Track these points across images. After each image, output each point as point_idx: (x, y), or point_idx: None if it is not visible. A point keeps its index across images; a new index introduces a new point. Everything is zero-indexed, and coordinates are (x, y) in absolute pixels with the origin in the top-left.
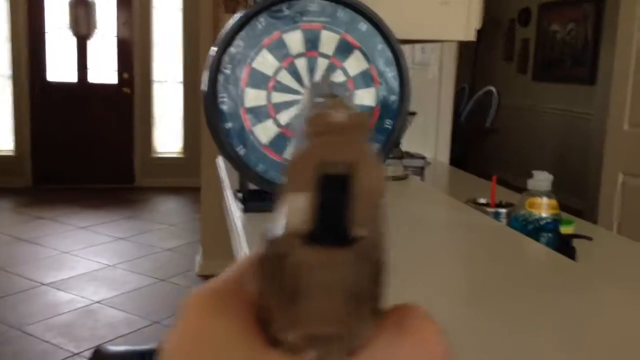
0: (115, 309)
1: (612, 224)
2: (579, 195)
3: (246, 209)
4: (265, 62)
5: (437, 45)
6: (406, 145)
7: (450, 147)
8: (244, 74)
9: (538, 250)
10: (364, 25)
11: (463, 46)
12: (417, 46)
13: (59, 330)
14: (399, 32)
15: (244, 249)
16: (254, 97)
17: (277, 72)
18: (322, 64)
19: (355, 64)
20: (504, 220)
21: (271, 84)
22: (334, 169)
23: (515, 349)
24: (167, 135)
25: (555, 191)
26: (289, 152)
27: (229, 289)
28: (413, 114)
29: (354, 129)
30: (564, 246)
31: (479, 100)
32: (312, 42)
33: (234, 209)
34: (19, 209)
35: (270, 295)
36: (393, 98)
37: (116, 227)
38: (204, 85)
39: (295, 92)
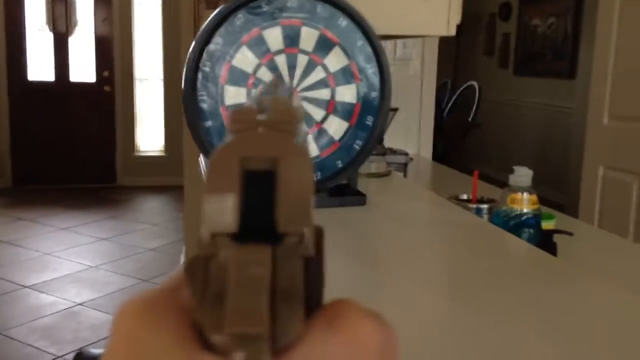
0: (98, 311)
1: (593, 217)
2: (560, 189)
3: None
4: (245, 59)
5: (418, 41)
6: (389, 141)
7: (433, 143)
8: (223, 71)
9: (519, 246)
10: (343, 21)
11: (444, 41)
12: (399, 41)
13: (42, 333)
14: (379, 27)
15: None
16: (233, 94)
17: (256, 69)
18: (302, 60)
19: (335, 60)
20: (485, 216)
21: (251, 81)
22: (257, 164)
23: (498, 342)
24: (149, 133)
25: (536, 185)
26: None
27: (161, 297)
28: (395, 109)
29: (280, 124)
30: (546, 242)
31: (461, 95)
32: (291, 39)
33: None
34: None
35: (199, 299)
36: (374, 94)
37: (98, 227)
38: (183, 83)
39: None
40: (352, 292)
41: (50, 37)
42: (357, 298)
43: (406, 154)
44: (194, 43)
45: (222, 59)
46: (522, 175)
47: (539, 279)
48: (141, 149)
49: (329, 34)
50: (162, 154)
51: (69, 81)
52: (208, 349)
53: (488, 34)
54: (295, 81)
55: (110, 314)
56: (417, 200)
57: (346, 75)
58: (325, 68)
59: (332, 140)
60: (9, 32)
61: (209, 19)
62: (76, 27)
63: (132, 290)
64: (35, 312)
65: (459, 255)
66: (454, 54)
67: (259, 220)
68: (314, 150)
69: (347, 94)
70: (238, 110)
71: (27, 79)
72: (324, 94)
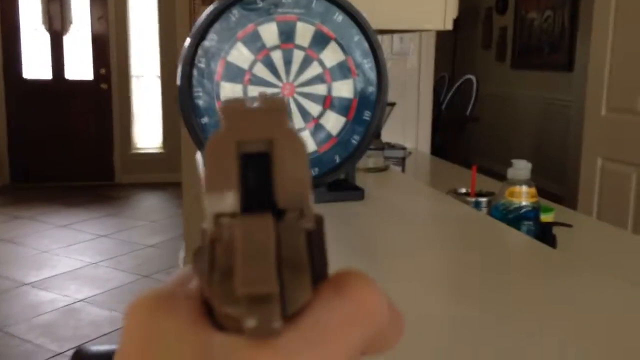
0: (98, 308)
1: (591, 208)
2: (558, 181)
3: None
4: (241, 55)
5: (415, 35)
6: (386, 136)
7: (431, 137)
8: (218, 67)
9: (518, 238)
10: (339, 16)
11: (441, 35)
12: (396, 36)
13: (42, 330)
14: (375, 22)
15: None
16: (229, 91)
17: (252, 65)
18: (298, 56)
19: (331, 56)
20: (484, 210)
21: (247, 77)
22: (253, 147)
23: (498, 334)
24: (147, 130)
25: (535, 178)
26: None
27: (171, 290)
28: (393, 104)
29: (270, 112)
30: (545, 234)
31: (459, 89)
32: (287, 34)
33: None
34: None
35: (208, 278)
36: (371, 89)
37: (97, 224)
38: (179, 80)
39: (272, 85)
40: None
41: (46, 36)
42: None
43: (404, 148)
44: (189, 39)
45: (218, 55)
46: (521, 168)
47: (539, 271)
48: (139, 146)
49: (325, 29)
50: (160, 150)
51: (66, 79)
52: (219, 330)
53: (485, 28)
54: (291, 77)
55: (111, 311)
56: (416, 194)
57: (343, 70)
58: (321, 63)
59: (329, 136)
60: (4, 31)
61: (204, 15)
62: (71, 26)
63: (132, 286)
64: (35, 310)
65: (458, 249)
66: (451, 47)
67: (259, 199)
68: (311, 145)
69: (344, 89)
70: (228, 100)
71: (23, 77)
72: (320, 89)
